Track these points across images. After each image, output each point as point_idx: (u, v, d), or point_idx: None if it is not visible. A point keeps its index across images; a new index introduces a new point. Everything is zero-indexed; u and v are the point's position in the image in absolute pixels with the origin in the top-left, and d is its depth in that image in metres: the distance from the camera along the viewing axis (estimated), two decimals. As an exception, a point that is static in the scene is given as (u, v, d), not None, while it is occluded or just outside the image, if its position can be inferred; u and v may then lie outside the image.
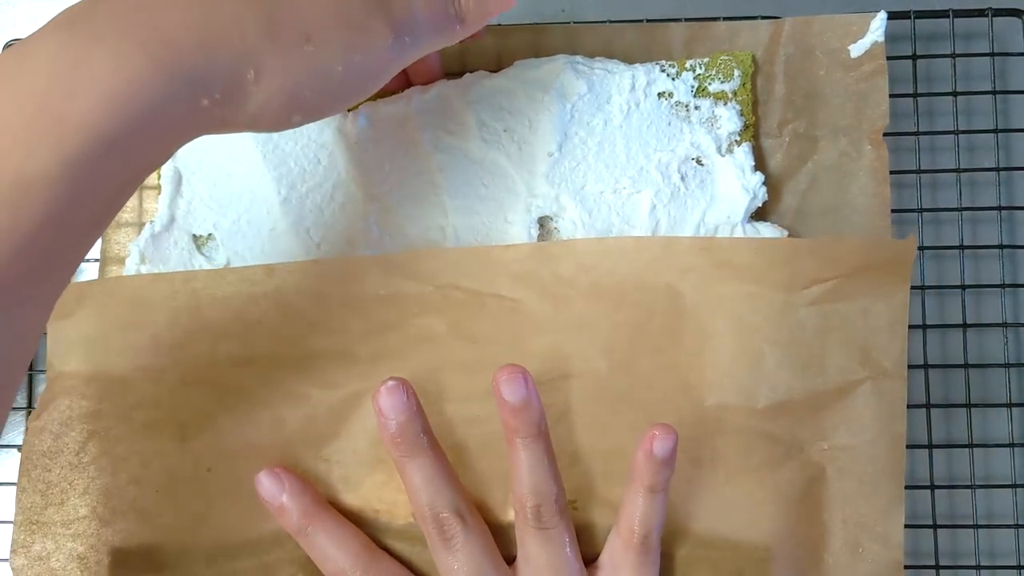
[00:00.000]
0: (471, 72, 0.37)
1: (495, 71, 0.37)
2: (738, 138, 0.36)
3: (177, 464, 0.33)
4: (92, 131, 0.22)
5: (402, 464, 0.31)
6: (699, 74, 0.36)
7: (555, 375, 0.34)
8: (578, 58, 0.36)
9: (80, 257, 0.24)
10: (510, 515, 0.33)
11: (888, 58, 0.37)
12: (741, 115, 0.36)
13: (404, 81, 0.37)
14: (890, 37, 0.37)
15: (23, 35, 0.39)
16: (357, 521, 0.33)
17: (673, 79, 0.36)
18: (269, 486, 0.32)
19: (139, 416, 0.33)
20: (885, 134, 0.37)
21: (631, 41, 0.37)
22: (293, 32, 0.25)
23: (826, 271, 0.33)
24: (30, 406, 0.38)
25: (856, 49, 0.36)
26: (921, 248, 0.38)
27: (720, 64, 0.36)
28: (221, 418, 0.33)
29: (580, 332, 0.34)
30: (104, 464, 0.33)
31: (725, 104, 0.36)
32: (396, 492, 0.33)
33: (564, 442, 0.33)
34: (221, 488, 0.33)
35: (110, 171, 0.23)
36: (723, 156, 0.36)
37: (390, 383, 0.30)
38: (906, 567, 0.37)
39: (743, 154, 0.36)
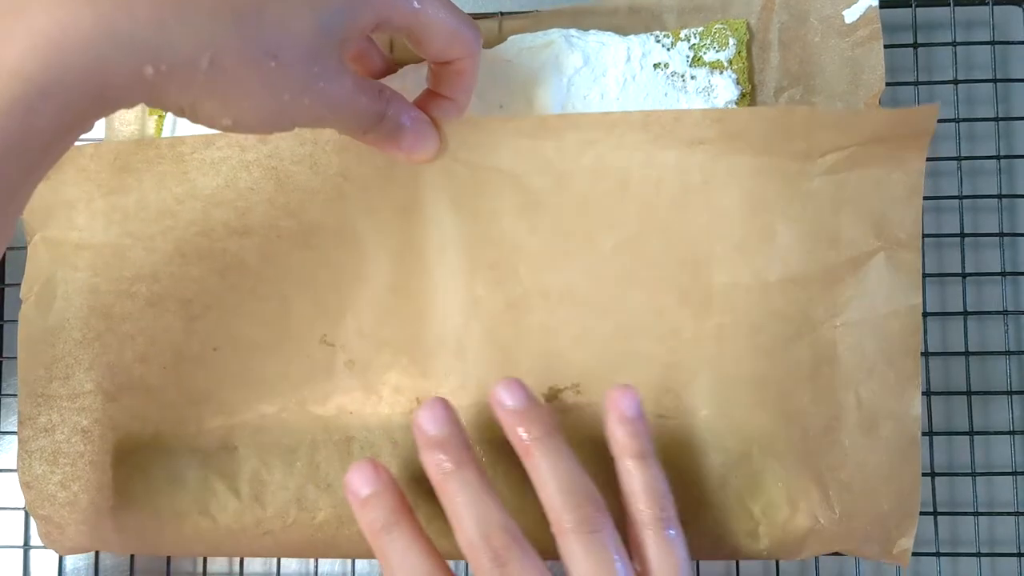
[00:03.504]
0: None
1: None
2: (735, 106, 0.36)
3: (183, 343, 0.33)
4: (24, 78, 0.22)
5: (444, 483, 0.29)
6: (694, 44, 0.36)
7: (557, 254, 0.32)
8: (572, 31, 0.36)
9: (15, 208, 0.24)
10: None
11: (889, 46, 0.36)
12: (738, 83, 0.36)
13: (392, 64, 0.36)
14: (891, 26, 0.37)
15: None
16: (361, 407, 0.33)
17: (668, 49, 0.36)
18: (360, 475, 0.30)
19: (141, 291, 0.33)
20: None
21: (624, 16, 0.37)
22: (262, 44, 0.25)
23: (842, 140, 0.31)
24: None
25: (850, 14, 0.36)
26: (922, 236, 0.38)
27: (715, 33, 0.36)
28: (226, 296, 0.33)
29: (583, 209, 0.32)
30: (110, 341, 0.33)
31: (721, 73, 0.36)
32: (401, 375, 0.32)
33: (567, 324, 0.32)
34: (227, 368, 0.33)
35: (42, 120, 0.23)
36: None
37: (430, 400, 0.29)
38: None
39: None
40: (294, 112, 0.26)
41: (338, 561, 0.40)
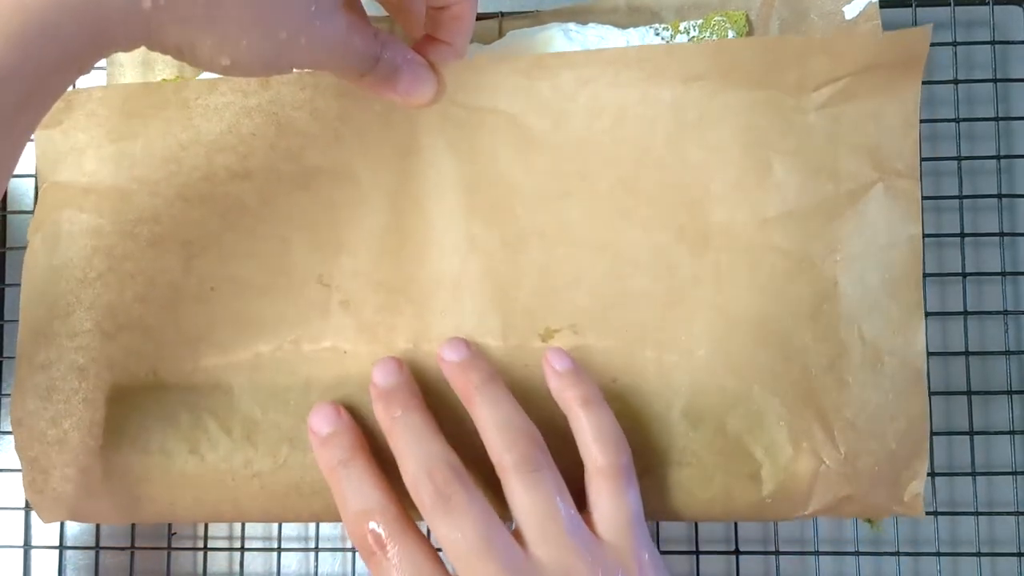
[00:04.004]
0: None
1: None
2: None
3: (182, 282, 0.33)
4: (23, 10, 0.22)
5: (391, 428, 0.30)
6: (693, 36, 0.36)
7: (554, 193, 0.33)
8: (571, 25, 0.36)
9: (11, 144, 0.25)
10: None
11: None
12: None
13: None
14: (891, 26, 0.37)
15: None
16: (355, 346, 0.33)
17: (667, 42, 0.36)
18: (325, 415, 0.32)
19: (143, 232, 0.33)
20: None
21: (624, 14, 0.37)
22: None
23: (837, 69, 0.31)
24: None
25: (851, 10, 0.35)
26: (923, 236, 0.38)
27: (714, 25, 0.36)
28: (224, 236, 0.33)
29: (580, 148, 0.32)
30: (111, 280, 0.33)
31: None
32: (396, 315, 0.33)
33: (564, 263, 0.32)
34: (224, 308, 0.33)
35: (40, 53, 0.23)
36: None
37: (382, 359, 0.32)
38: (905, 555, 0.38)
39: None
40: (291, 53, 0.27)
41: (338, 561, 0.40)
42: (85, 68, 0.25)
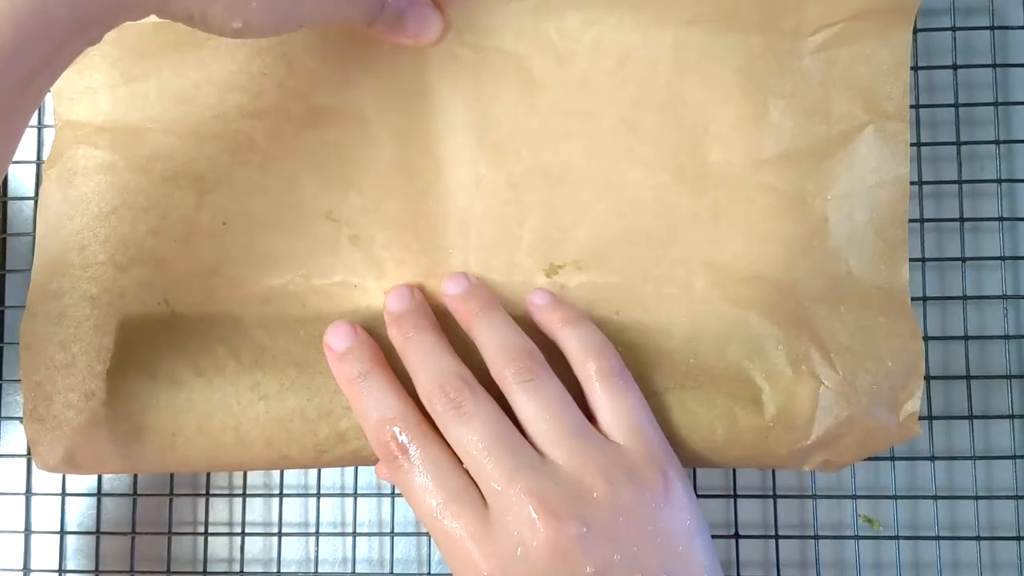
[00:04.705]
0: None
1: None
2: None
3: (194, 217, 0.34)
4: None
5: (406, 348, 0.31)
6: None
7: (558, 134, 0.34)
8: None
9: (24, 106, 0.25)
10: None
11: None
12: None
13: None
14: None
15: None
16: (364, 280, 0.34)
17: None
18: (341, 332, 0.32)
19: (156, 168, 0.34)
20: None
21: None
22: None
23: (832, 15, 0.33)
24: None
25: None
26: (922, 221, 0.39)
27: None
28: (235, 172, 0.34)
29: (583, 89, 0.34)
30: (124, 215, 0.34)
31: None
32: (404, 251, 0.34)
33: (567, 201, 0.33)
34: (235, 242, 0.34)
35: (53, 18, 0.24)
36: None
37: (393, 288, 0.33)
38: (904, 538, 0.38)
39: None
40: (300, 10, 0.28)
41: (339, 544, 0.40)
42: (96, 37, 0.25)
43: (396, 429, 0.30)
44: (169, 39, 0.34)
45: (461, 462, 0.29)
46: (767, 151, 0.33)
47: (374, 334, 0.33)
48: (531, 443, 0.29)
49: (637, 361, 0.32)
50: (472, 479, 0.29)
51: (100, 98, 0.34)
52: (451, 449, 0.29)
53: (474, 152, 0.34)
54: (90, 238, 0.34)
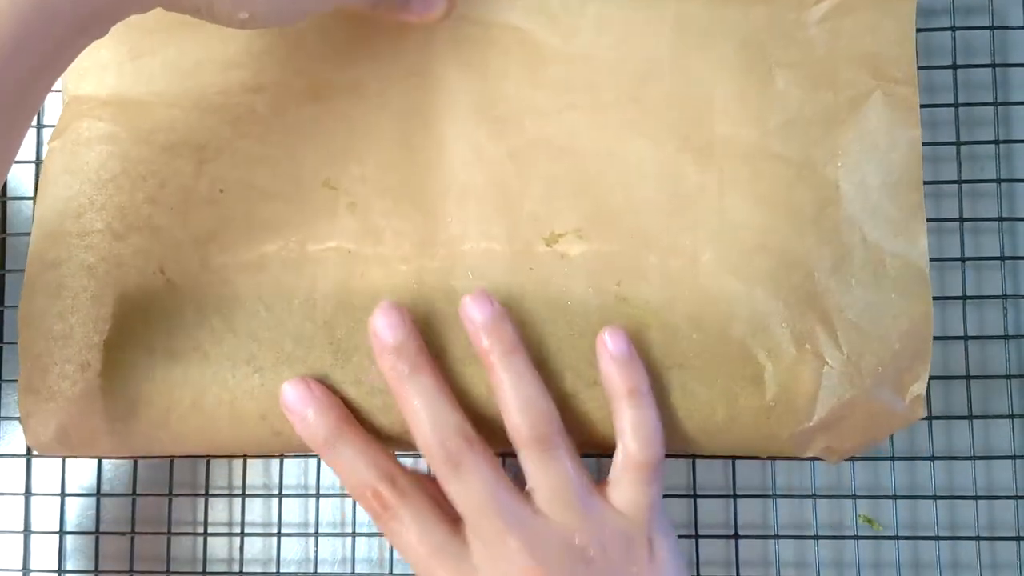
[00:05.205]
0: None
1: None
2: None
3: (192, 185, 0.34)
4: None
5: (400, 387, 0.30)
6: None
7: (561, 107, 0.34)
8: None
9: (30, 103, 0.25)
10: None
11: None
12: None
13: None
14: None
15: None
16: (360, 247, 0.33)
17: None
18: (296, 396, 0.31)
19: (157, 139, 0.34)
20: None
21: None
22: None
23: None
24: None
25: None
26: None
27: None
28: (236, 143, 0.34)
29: (587, 63, 0.34)
30: (123, 183, 0.34)
31: None
32: (403, 220, 0.33)
33: (570, 172, 0.33)
34: (232, 210, 0.34)
35: (64, 17, 0.24)
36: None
37: (384, 304, 0.31)
38: (904, 538, 0.38)
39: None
40: (305, 1, 0.28)
41: (339, 545, 0.40)
42: (103, 31, 0.26)
43: (376, 490, 0.30)
44: (176, 16, 0.34)
45: (443, 508, 0.30)
46: (774, 120, 0.33)
47: (361, 308, 0.32)
48: (531, 493, 0.30)
49: (638, 336, 0.32)
50: (456, 525, 0.30)
51: (107, 73, 0.35)
52: (432, 498, 0.30)
53: (476, 125, 0.34)
54: (87, 206, 0.34)
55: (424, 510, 0.30)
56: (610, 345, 0.31)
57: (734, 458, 0.39)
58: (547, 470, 0.30)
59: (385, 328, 0.31)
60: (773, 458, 0.34)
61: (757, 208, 0.33)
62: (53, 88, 0.27)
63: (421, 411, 0.30)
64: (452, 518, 0.30)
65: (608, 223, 0.33)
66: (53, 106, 0.41)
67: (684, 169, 0.33)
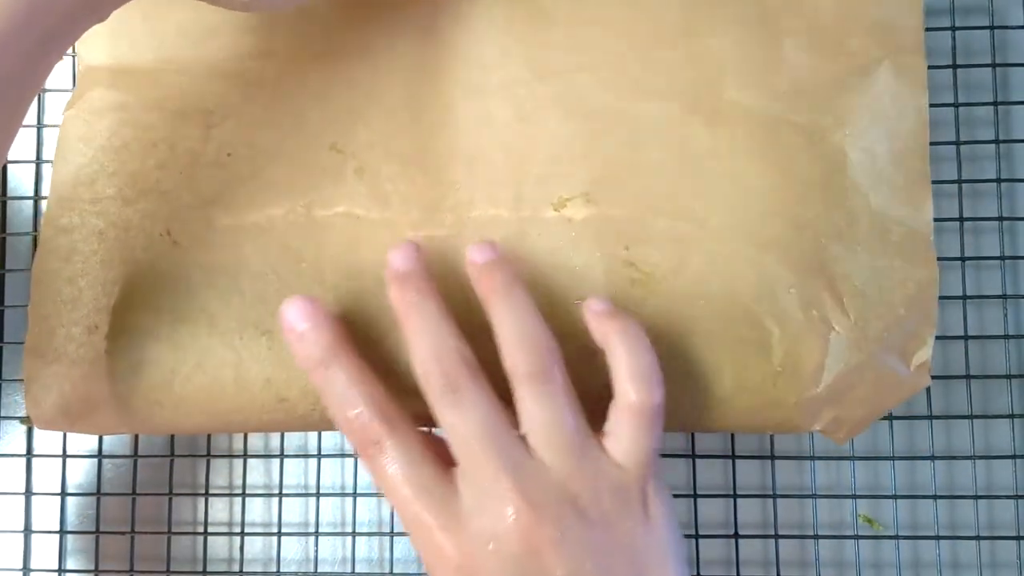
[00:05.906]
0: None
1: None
2: None
3: (200, 148, 0.34)
4: None
5: (407, 312, 0.30)
6: None
7: (569, 68, 0.34)
8: None
9: (32, 82, 0.25)
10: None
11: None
12: None
13: None
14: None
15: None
16: (368, 212, 0.33)
17: None
18: (296, 312, 0.30)
19: (167, 105, 0.35)
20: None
21: None
22: None
23: None
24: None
25: None
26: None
27: None
28: (244, 107, 0.34)
29: (595, 25, 0.34)
30: (135, 149, 0.34)
31: None
32: (410, 185, 0.33)
33: (578, 135, 0.33)
34: (238, 173, 0.34)
35: None
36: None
37: (401, 242, 0.31)
38: (905, 538, 0.38)
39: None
40: None
41: (339, 545, 0.40)
42: (103, 14, 0.26)
43: (366, 419, 0.29)
44: None
45: (432, 449, 0.29)
46: (783, 86, 0.33)
47: (370, 273, 0.32)
48: (525, 437, 0.29)
49: (645, 301, 0.32)
50: (444, 467, 0.29)
51: (120, 41, 0.35)
52: (422, 436, 0.29)
53: (483, 87, 0.34)
54: (99, 172, 0.34)
55: (414, 447, 0.29)
56: (595, 306, 0.31)
57: (735, 456, 0.39)
58: (543, 408, 0.29)
59: (398, 256, 0.31)
60: (780, 431, 0.33)
61: (766, 173, 0.33)
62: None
63: (422, 332, 0.29)
64: (443, 462, 0.29)
65: (616, 187, 0.33)
66: (53, 106, 0.41)
67: (694, 132, 0.33)
